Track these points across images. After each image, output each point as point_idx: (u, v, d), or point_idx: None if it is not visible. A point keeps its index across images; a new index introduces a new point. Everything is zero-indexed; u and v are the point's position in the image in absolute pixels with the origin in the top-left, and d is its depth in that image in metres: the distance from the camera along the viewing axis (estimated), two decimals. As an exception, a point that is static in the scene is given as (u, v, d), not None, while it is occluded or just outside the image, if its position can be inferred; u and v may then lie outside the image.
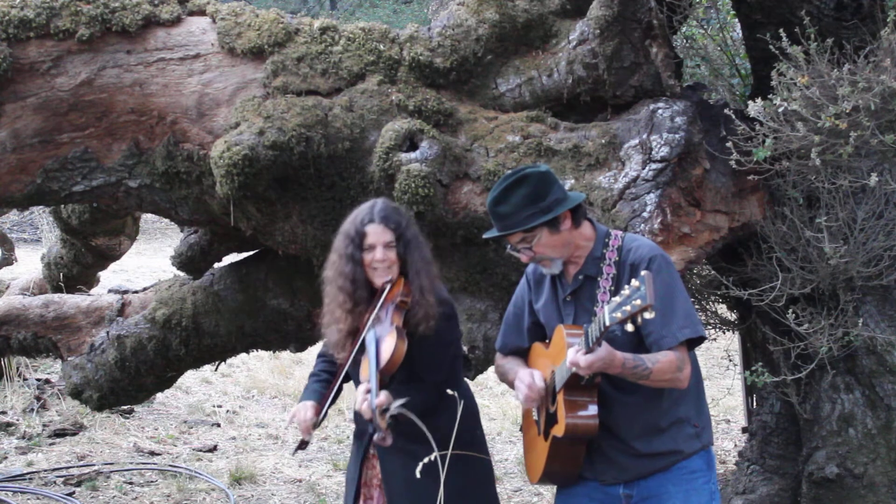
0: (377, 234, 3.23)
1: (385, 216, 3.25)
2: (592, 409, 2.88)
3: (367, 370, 3.13)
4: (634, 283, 2.59)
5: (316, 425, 3.32)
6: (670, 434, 2.96)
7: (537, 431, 3.10)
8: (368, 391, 3.06)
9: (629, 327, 2.61)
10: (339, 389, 3.41)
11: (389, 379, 3.18)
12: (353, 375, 3.35)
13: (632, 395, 2.91)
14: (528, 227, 2.90)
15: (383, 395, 3.04)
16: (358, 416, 3.46)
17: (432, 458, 2.84)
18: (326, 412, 3.37)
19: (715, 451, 3.18)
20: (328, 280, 3.32)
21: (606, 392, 2.93)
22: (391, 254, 3.22)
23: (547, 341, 3.10)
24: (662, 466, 2.96)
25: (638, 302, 2.56)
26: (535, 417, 3.12)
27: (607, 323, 2.62)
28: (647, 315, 2.57)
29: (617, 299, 2.62)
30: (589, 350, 2.71)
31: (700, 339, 2.92)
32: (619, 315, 2.59)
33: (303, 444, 3.40)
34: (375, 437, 3.05)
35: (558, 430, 2.90)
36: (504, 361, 3.23)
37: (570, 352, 2.76)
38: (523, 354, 3.17)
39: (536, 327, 3.16)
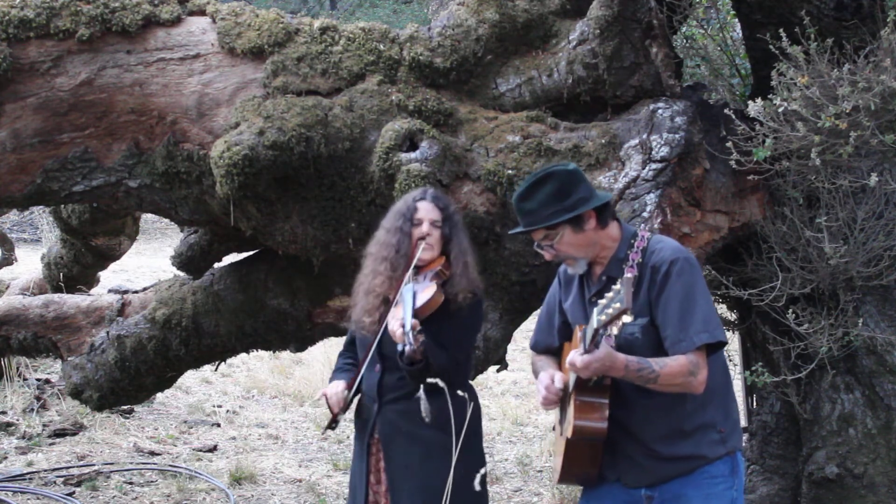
0: (427, 211, 3.48)
1: (436, 196, 3.53)
2: (602, 412, 2.86)
3: (401, 313, 3.28)
4: (616, 286, 2.58)
5: (347, 406, 3.50)
6: (694, 439, 2.93)
7: (560, 433, 3.11)
8: (401, 320, 3.25)
9: (614, 330, 2.60)
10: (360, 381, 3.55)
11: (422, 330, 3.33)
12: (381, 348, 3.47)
13: (654, 397, 2.89)
14: (550, 223, 2.91)
15: (415, 321, 3.23)
16: (360, 408, 3.61)
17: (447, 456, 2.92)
18: (357, 389, 3.52)
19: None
20: (370, 254, 3.52)
21: (628, 394, 2.91)
22: (436, 232, 3.46)
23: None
24: (685, 470, 2.93)
25: (617, 305, 2.55)
26: (559, 417, 3.13)
27: (594, 326, 2.62)
28: (626, 319, 2.57)
29: (603, 301, 2.61)
30: (586, 351, 2.71)
31: (720, 344, 2.90)
32: (603, 318, 2.59)
33: (333, 422, 3.53)
34: (407, 349, 3.20)
35: (569, 433, 2.91)
36: (536, 359, 3.24)
37: (570, 353, 2.77)
38: (556, 353, 3.17)
39: (566, 327, 3.15)
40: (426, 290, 3.35)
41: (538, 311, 3.36)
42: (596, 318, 2.61)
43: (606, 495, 3.04)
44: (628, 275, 2.58)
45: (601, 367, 2.73)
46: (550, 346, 3.19)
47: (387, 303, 3.41)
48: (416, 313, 3.28)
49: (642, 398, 2.91)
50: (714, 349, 2.90)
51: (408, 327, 3.19)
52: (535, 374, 3.20)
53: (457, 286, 3.40)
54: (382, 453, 3.49)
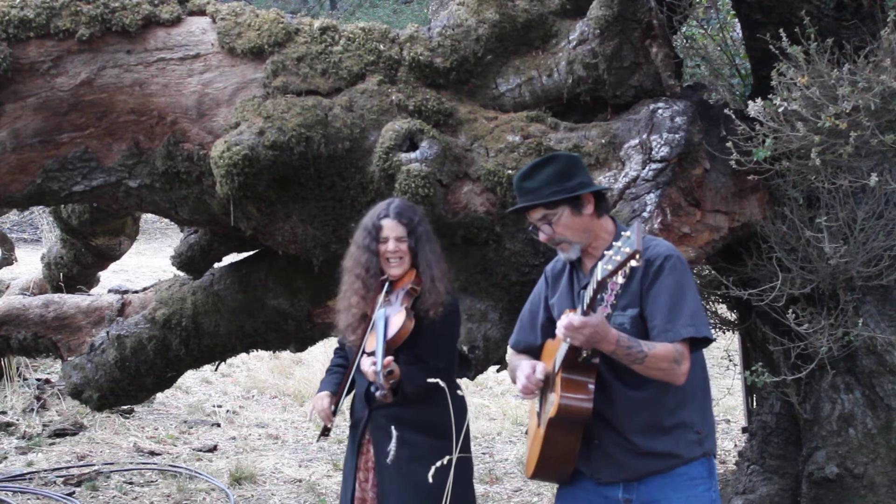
0: (390, 228, 3.53)
1: (399, 212, 3.56)
2: (588, 392, 2.86)
3: (374, 342, 3.40)
4: (625, 233, 2.59)
5: (334, 412, 3.62)
6: (672, 437, 2.94)
7: (537, 424, 3.10)
8: (373, 354, 3.36)
9: (619, 279, 2.60)
10: (352, 380, 3.66)
11: (395, 356, 3.44)
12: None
13: (637, 390, 2.90)
14: (552, 200, 2.93)
15: (388, 359, 3.33)
16: (354, 408, 3.71)
17: (444, 461, 2.92)
18: (342, 398, 3.65)
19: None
20: (346, 269, 3.62)
21: (611, 385, 2.92)
22: (403, 246, 3.53)
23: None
24: (660, 469, 2.94)
25: (627, 250, 2.55)
26: (538, 409, 3.12)
27: (599, 277, 2.61)
28: (634, 263, 2.56)
29: (609, 253, 2.61)
30: (583, 314, 2.71)
31: (705, 341, 2.91)
32: (609, 267, 2.59)
33: (325, 432, 3.70)
34: (378, 394, 3.34)
35: (552, 411, 2.89)
36: (514, 358, 3.23)
37: (563, 317, 2.76)
38: (536, 353, 3.17)
39: (551, 324, 3.15)
40: (397, 317, 3.44)
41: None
42: (601, 269, 2.60)
43: (582, 498, 3.03)
44: (638, 222, 2.59)
45: (595, 334, 2.72)
46: (532, 345, 3.19)
47: (366, 318, 3.53)
48: (389, 345, 3.39)
49: (626, 390, 2.91)
50: (697, 346, 2.92)
51: (378, 367, 3.30)
52: (512, 372, 3.19)
53: (426, 302, 3.48)
54: (373, 454, 3.57)
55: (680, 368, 2.83)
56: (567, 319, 2.73)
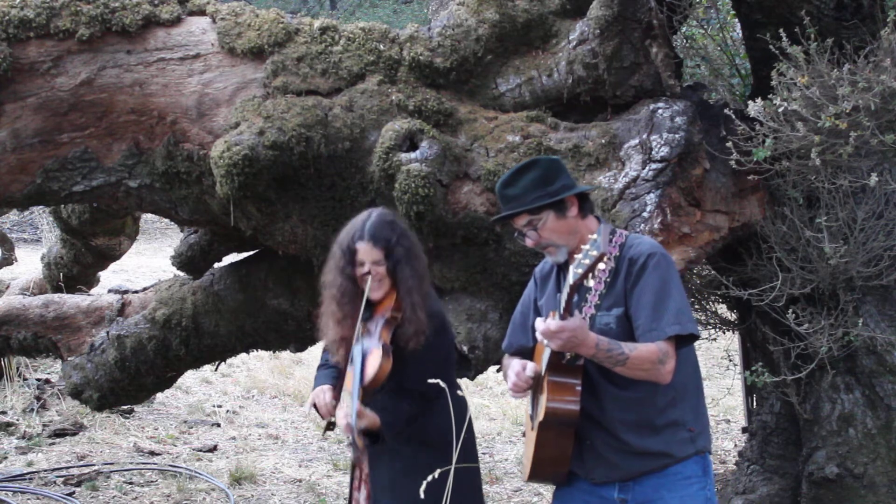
0: (366, 252, 3.28)
1: (374, 234, 3.29)
2: (575, 394, 2.86)
3: (352, 383, 3.20)
4: (592, 236, 2.61)
5: (335, 406, 3.40)
6: (664, 436, 2.93)
7: (531, 427, 3.10)
8: (347, 412, 3.16)
9: (591, 282, 2.62)
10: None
11: (379, 389, 3.27)
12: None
13: (626, 389, 2.90)
14: (535, 206, 2.94)
15: (359, 408, 3.13)
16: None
17: (436, 474, 2.86)
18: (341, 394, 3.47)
19: (715, 451, 3.13)
20: (325, 285, 3.40)
21: (601, 386, 2.92)
22: (380, 269, 3.29)
23: None
24: (653, 468, 2.93)
25: (594, 253, 2.57)
26: (530, 412, 3.12)
27: (571, 282, 2.62)
28: (603, 266, 2.58)
29: (578, 256, 2.62)
30: (560, 317, 2.71)
31: (691, 338, 2.91)
32: (579, 271, 2.60)
33: (330, 425, 3.46)
34: (351, 455, 3.18)
35: (541, 415, 2.89)
36: (508, 361, 3.23)
37: (539, 321, 2.76)
38: (528, 355, 3.17)
39: None
40: (373, 356, 3.21)
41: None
42: (572, 273, 2.61)
43: (578, 499, 3.03)
44: (604, 224, 2.61)
45: (573, 337, 2.71)
46: (524, 347, 3.19)
47: (345, 341, 3.32)
48: (365, 390, 3.18)
49: (616, 390, 2.91)
50: (684, 343, 2.91)
51: (353, 419, 3.09)
52: (504, 375, 3.18)
53: (407, 332, 3.26)
54: (367, 465, 3.49)
55: (664, 368, 2.82)
56: (544, 324, 2.73)
